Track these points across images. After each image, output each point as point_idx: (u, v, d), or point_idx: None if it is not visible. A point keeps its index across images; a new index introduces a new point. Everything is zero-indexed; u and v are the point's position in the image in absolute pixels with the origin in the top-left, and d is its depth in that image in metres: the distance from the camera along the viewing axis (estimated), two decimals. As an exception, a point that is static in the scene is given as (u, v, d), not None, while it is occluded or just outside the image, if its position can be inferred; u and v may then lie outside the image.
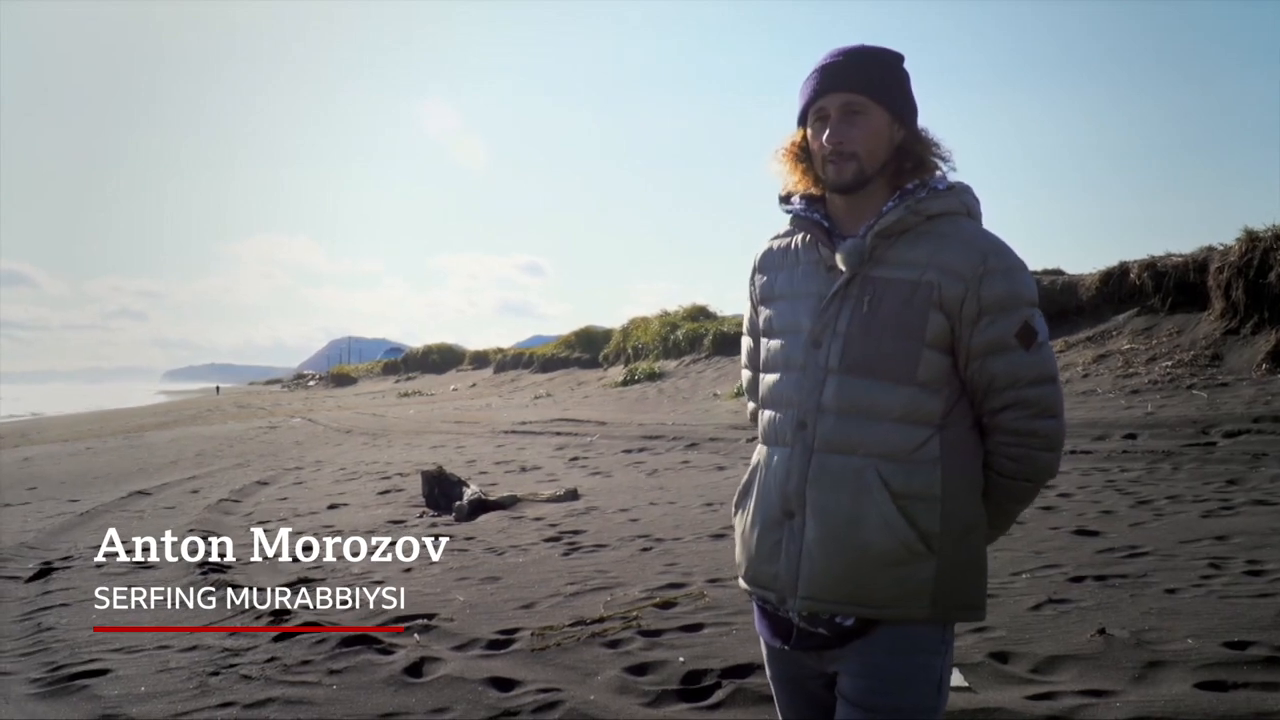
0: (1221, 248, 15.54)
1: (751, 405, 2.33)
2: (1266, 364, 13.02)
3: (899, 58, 2.06)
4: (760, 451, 2.14)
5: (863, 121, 1.99)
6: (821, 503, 1.96)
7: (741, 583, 2.16)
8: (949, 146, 2.06)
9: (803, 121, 2.08)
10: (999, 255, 1.96)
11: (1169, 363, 14.26)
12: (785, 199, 2.14)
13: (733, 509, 2.21)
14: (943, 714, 2.00)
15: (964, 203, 2.03)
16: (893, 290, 1.96)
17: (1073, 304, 17.91)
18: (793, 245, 2.16)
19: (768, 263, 2.22)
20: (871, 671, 1.96)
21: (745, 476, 2.18)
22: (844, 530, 1.94)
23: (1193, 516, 6.74)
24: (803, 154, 2.09)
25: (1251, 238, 14.73)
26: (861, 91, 1.99)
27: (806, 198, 2.11)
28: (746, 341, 2.34)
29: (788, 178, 2.13)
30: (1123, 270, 17.45)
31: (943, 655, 1.99)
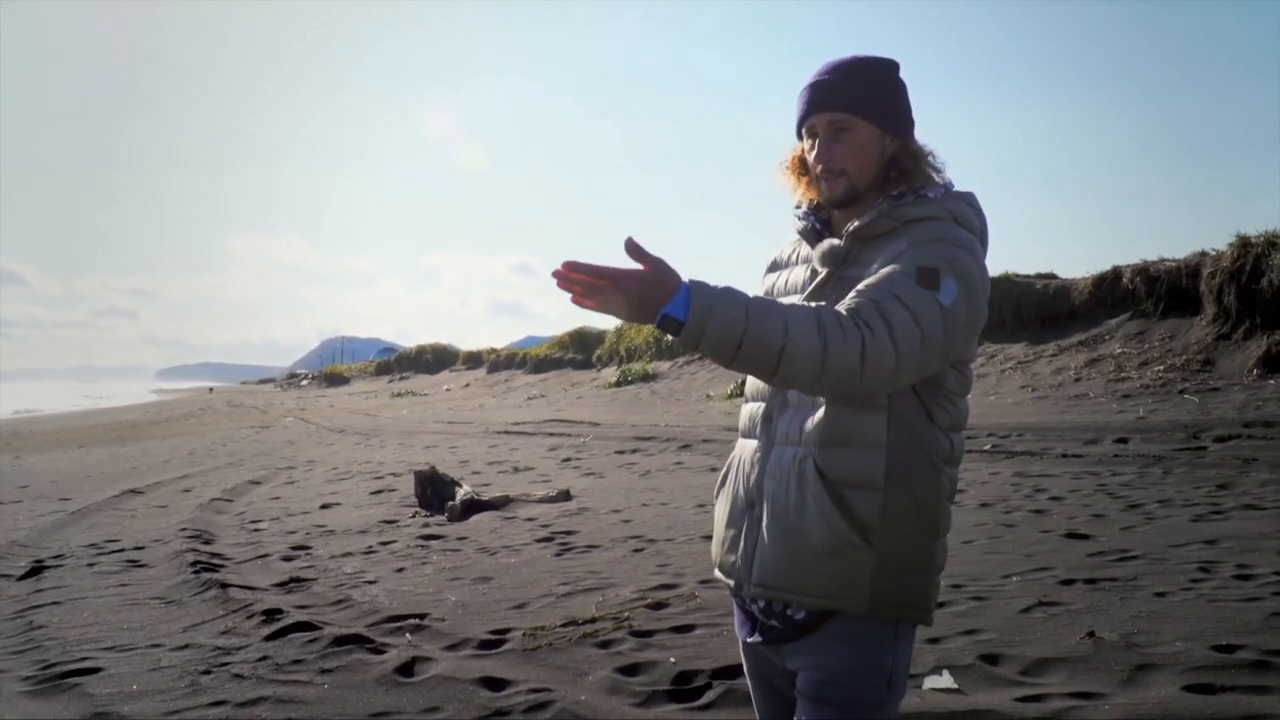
0: (1214, 253, 15.60)
1: None
2: (1258, 369, 13.07)
3: (891, 68, 2.08)
4: (738, 445, 2.21)
5: (849, 139, 2.02)
6: (773, 493, 2.02)
7: (715, 571, 2.22)
8: (943, 157, 2.08)
9: (800, 136, 2.14)
10: (948, 242, 1.91)
11: (1161, 367, 14.31)
12: (798, 206, 2.21)
13: (714, 496, 2.29)
14: (896, 708, 2.01)
15: (949, 209, 2.01)
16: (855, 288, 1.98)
17: (1065, 308, 17.96)
18: (796, 249, 2.24)
19: (776, 265, 2.30)
20: (822, 664, 1.98)
21: (724, 468, 2.24)
22: (788, 519, 1.98)
23: (1183, 521, 6.77)
24: (803, 167, 2.15)
25: (1244, 243, 14.79)
26: (847, 110, 2.02)
27: (812, 205, 2.18)
28: None
29: (795, 189, 2.19)
30: (1115, 274, 17.50)
31: (894, 649, 1.99)
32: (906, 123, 2.08)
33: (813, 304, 1.81)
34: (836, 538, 1.92)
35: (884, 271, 1.87)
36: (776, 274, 2.26)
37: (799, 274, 2.16)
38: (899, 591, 1.97)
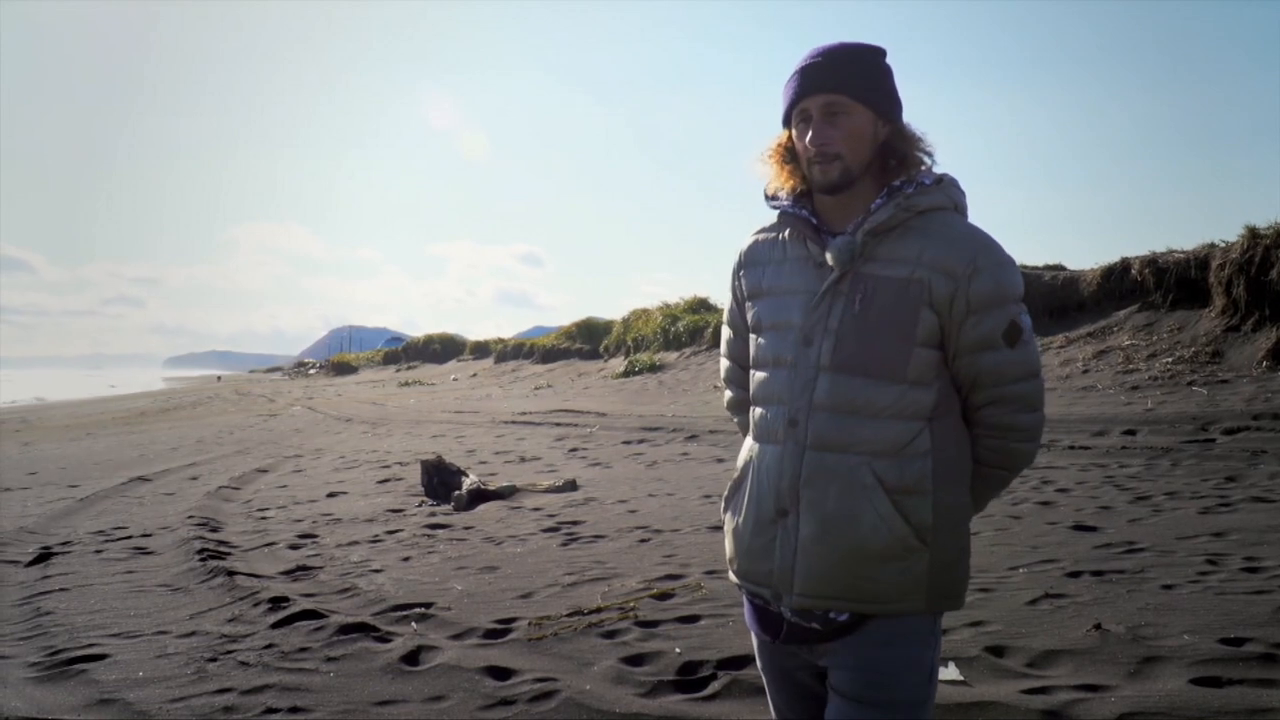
0: (1223, 244, 15.51)
1: (729, 394, 2.38)
2: (1267, 361, 13.01)
3: (880, 53, 2.06)
4: (751, 448, 2.14)
5: (844, 122, 1.99)
6: (816, 501, 1.98)
7: (732, 576, 2.18)
8: (932, 140, 2.07)
9: (787, 123, 2.09)
10: (987, 252, 1.96)
11: (1169, 359, 14.24)
12: (772, 196, 2.15)
13: (722, 505, 2.22)
14: (933, 704, 2.03)
15: (951, 197, 2.03)
16: (884, 288, 1.97)
17: (1074, 300, 17.89)
18: (780, 240, 2.16)
19: (754, 257, 2.22)
20: (864, 665, 1.98)
21: (736, 473, 2.18)
22: (839, 527, 1.95)
23: (1191, 513, 6.74)
24: (789, 155, 2.10)
25: (1253, 235, 14.71)
26: (842, 91, 1.99)
27: (795, 194, 2.11)
28: (726, 332, 2.36)
29: (775, 179, 2.13)
30: (1124, 266, 17.43)
31: (933, 646, 2.02)
32: (897, 107, 2.06)
33: (995, 471, 2.10)
34: (897, 542, 1.94)
35: (986, 355, 1.98)
36: (759, 270, 2.18)
37: (798, 270, 2.09)
38: (949, 584, 2.01)
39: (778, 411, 2.05)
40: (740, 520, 2.13)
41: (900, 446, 1.95)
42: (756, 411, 2.13)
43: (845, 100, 1.99)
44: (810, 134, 2.01)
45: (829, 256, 2.00)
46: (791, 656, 2.13)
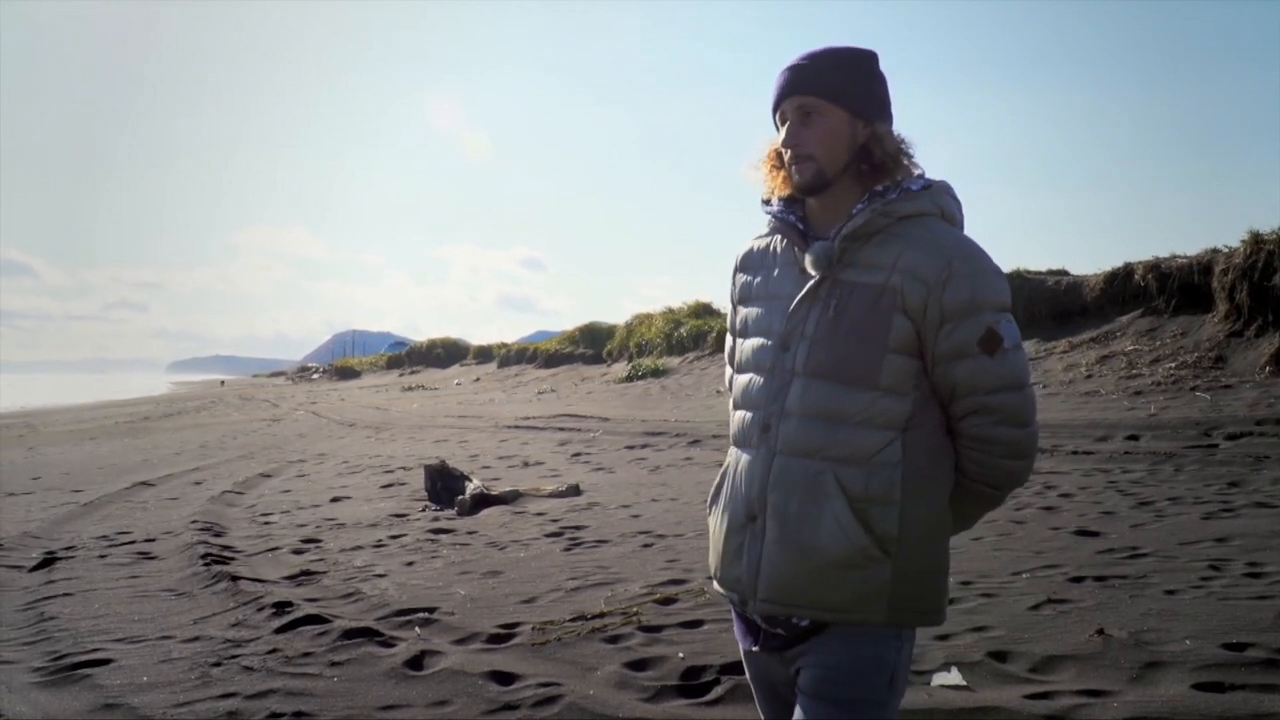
0: (1226, 250, 15.52)
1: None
2: (1270, 367, 13.00)
3: (866, 57, 2.05)
4: (731, 453, 2.15)
5: (818, 122, 1.99)
6: (780, 506, 1.97)
7: (714, 584, 2.18)
8: (927, 141, 2.06)
9: (777, 126, 2.10)
10: (965, 259, 1.93)
11: (1172, 364, 14.24)
12: (767, 201, 2.15)
13: (707, 509, 2.23)
14: (896, 708, 2.01)
15: (937, 204, 2.01)
16: (859, 294, 1.95)
17: (1077, 305, 17.89)
18: (772, 246, 2.17)
19: (748, 263, 2.22)
20: (825, 663, 1.97)
21: (717, 478, 2.19)
22: (800, 534, 1.95)
23: (1194, 518, 6.74)
24: (780, 159, 2.10)
25: (1257, 240, 14.71)
26: (814, 93, 1.99)
27: (786, 200, 2.12)
28: (729, 339, 2.35)
29: (769, 182, 2.13)
30: (1127, 271, 17.43)
31: (898, 650, 1.99)
32: (880, 110, 2.04)
33: (971, 488, 2.06)
34: (857, 552, 1.92)
35: (960, 364, 1.93)
36: (751, 275, 2.19)
37: (785, 276, 2.09)
38: (915, 598, 1.98)
39: (754, 416, 2.06)
40: (717, 524, 2.14)
41: (869, 455, 1.93)
42: (735, 415, 2.14)
43: (818, 101, 1.99)
44: (785, 135, 2.02)
45: (807, 261, 2.00)
46: (771, 669, 2.13)
